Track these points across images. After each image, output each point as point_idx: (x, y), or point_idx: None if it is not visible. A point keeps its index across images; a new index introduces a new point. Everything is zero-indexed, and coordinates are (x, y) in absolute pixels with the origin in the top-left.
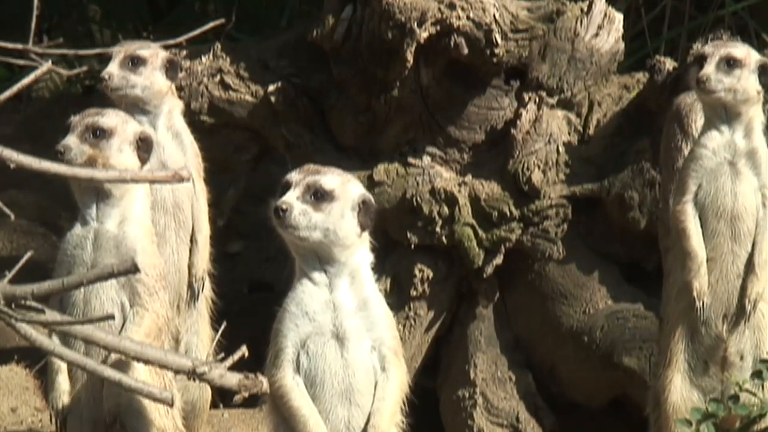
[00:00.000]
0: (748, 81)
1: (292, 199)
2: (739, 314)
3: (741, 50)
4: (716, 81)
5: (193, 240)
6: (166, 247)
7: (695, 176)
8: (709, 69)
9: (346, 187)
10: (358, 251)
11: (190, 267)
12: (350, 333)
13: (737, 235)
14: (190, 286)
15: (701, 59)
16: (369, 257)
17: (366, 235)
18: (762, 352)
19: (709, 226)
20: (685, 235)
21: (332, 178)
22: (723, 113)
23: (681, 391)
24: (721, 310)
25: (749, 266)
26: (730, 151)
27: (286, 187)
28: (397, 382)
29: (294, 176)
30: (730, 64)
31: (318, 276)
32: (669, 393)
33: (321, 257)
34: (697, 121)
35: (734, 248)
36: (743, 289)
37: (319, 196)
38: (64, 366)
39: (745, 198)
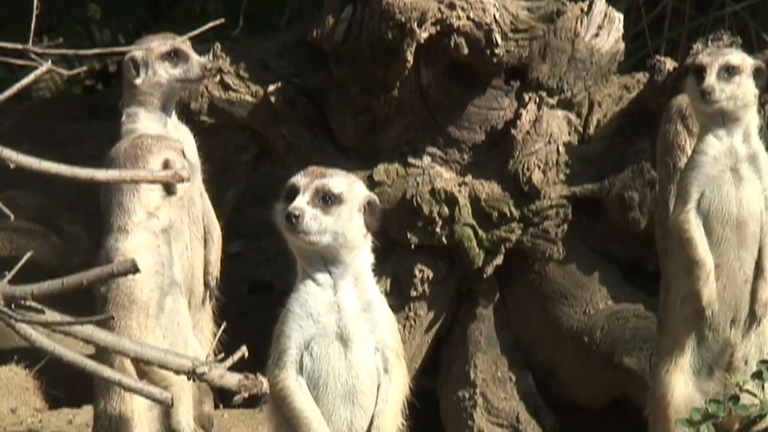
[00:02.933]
0: (746, 86)
1: (302, 204)
2: (751, 320)
3: (737, 57)
4: (719, 91)
5: (207, 237)
6: (180, 242)
7: (697, 184)
8: (712, 80)
9: (353, 188)
10: (362, 252)
11: (206, 264)
12: (354, 335)
13: (743, 241)
14: (206, 284)
15: (700, 70)
16: (370, 258)
17: (369, 235)
18: (765, 356)
19: (715, 234)
20: (691, 244)
21: (340, 181)
22: (720, 120)
23: (684, 396)
24: (729, 315)
25: (758, 271)
26: (731, 157)
27: (293, 191)
28: (399, 385)
29: (301, 180)
30: (729, 72)
31: (322, 277)
32: (672, 398)
33: (326, 259)
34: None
35: (741, 254)
36: (753, 293)
37: (328, 200)
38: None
39: (750, 203)
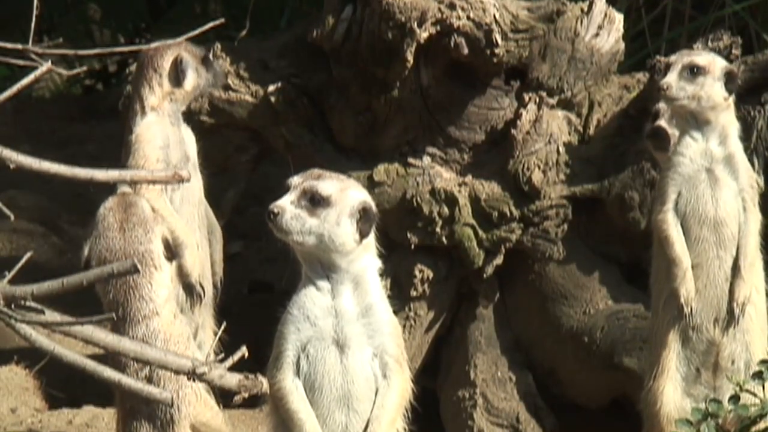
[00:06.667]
0: (712, 88)
1: (285, 202)
2: (729, 319)
3: (704, 58)
4: (678, 89)
5: (210, 237)
6: (192, 242)
7: (674, 184)
8: (671, 77)
9: (345, 193)
10: (360, 258)
11: (212, 263)
12: (351, 340)
13: (722, 241)
14: (215, 284)
15: (667, 68)
16: (375, 263)
17: (371, 241)
18: (751, 355)
19: (693, 233)
20: (668, 242)
21: (330, 184)
22: (693, 121)
23: (674, 402)
24: (712, 315)
25: (735, 270)
26: (707, 158)
27: (287, 190)
28: (398, 390)
29: (294, 180)
30: (693, 72)
31: (321, 281)
32: (662, 404)
33: (322, 263)
34: None
35: (720, 253)
36: (731, 293)
37: (315, 202)
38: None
39: (727, 204)
